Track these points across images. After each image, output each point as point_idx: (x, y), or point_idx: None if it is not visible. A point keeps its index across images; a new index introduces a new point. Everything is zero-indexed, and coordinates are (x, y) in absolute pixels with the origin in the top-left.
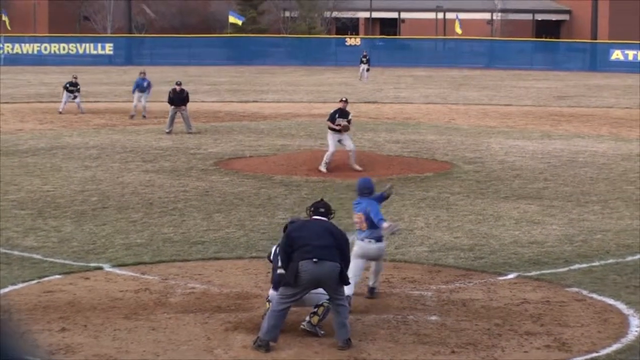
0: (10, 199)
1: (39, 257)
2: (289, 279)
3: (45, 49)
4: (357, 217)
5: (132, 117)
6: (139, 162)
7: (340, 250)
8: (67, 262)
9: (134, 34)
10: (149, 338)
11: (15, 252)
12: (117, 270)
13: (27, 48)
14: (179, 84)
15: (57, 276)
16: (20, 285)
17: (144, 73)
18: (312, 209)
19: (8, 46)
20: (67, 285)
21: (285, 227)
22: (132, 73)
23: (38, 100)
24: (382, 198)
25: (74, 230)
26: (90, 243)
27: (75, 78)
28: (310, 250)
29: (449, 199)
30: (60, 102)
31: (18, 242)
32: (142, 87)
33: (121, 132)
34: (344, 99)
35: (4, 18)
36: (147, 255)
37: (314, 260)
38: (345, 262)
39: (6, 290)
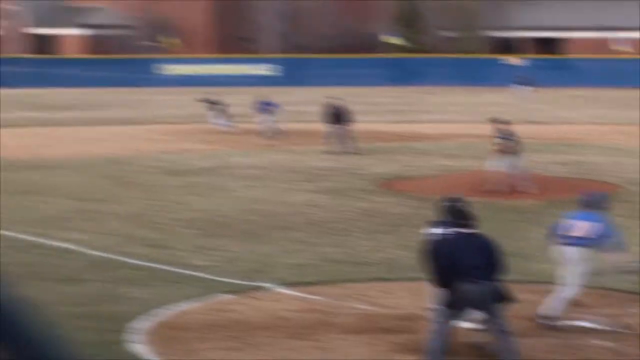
0: (179, 218)
1: (207, 276)
2: (444, 301)
3: (209, 69)
4: (581, 225)
5: (267, 137)
6: (303, 182)
7: (496, 265)
8: (234, 281)
9: (294, 54)
10: (315, 358)
11: (184, 271)
12: (283, 290)
13: (192, 69)
14: (337, 101)
15: (225, 295)
16: (189, 303)
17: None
18: (453, 218)
19: (173, 67)
20: (234, 304)
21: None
22: (292, 93)
23: (203, 121)
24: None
25: (241, 250)
26: (257, 262)
27: (215, 98)
28: (466, 270)
29: (615, 221)
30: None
31: (187, 261)
32: (266, 109)
33: (285, 152)
34: (497, 120)
35: (171, 40)
36: (312, 275)
37: (470, 281)
38: (501, 274)
39: (177, 308)
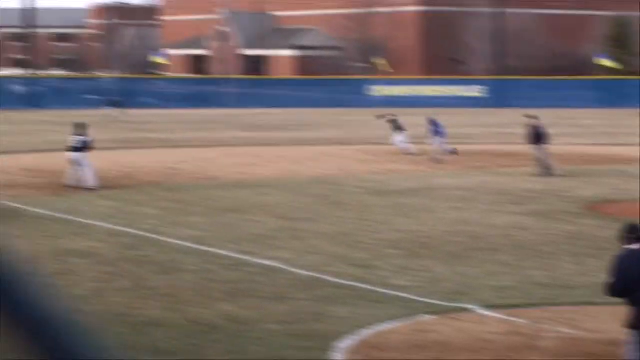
0: (384, 238)
1: (410, 296)
2: (630, 322)
3: (418, 90)
4: None
5: (437, 161)
6: (508, 204)
7: None
8: (437, 302)
9: (504, 76)
10: None
11: (388, 291)
12: (486, 312)
13: (401, 90)
14: (534, 121)
15: (429, 316)
16: (393, 323)
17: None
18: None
19: (382, 88)
20: (437, 325)
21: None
22: (498, 115)
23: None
24: None
25: (444, 271)
26: (460, 284)
27: (394, 116)
28: None
29: None
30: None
31: (391, 281)
32: (435, 130)
33: (491, 173)
34: None
35: (381, 61)
36: (517, 298)
37: None
38: None
39: (380, 328)
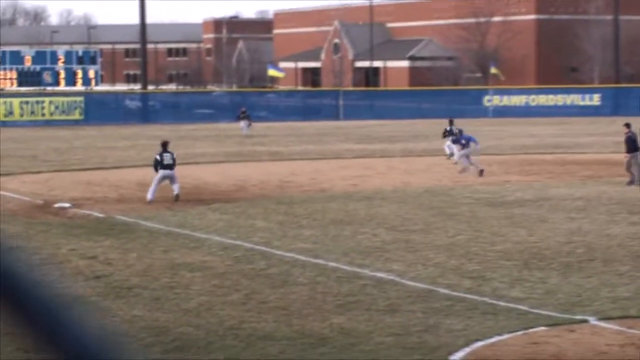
0: (497, 249)
1: (524, 308)
2: None
3: (533, 100)
4: None
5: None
6: (625, 214)
7: None
8: (552, 314)
9: (621, 84)
10: None
11: (501, 303)
12: (603, 324)
13: (515, 100)
14: (632, 128)
15: (543, 328)
16: (506, 335)
17: None
18: None
19: (497, 98)
20: (552, 337)
21: None
22: (617, 123)
23: (524, 152)
24: None
25: (559, 282)
26: (575, 295)
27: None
28: None
29: None
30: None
31: (504, 293)
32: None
33: (607, 183)
34: None
35: (495, 70)
36: (635, 309)
37: None
38: None
39: (492, 340)
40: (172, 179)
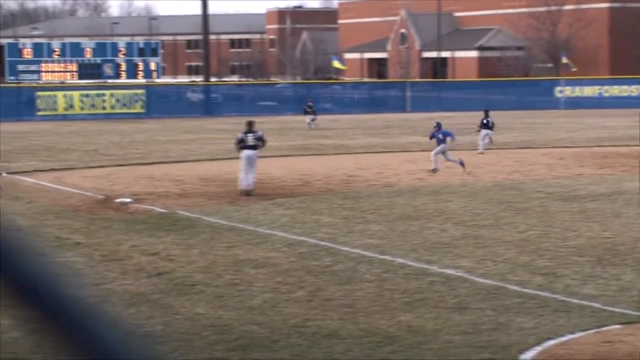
0: (570, 245)
1: (597, 305)
2: None
3: (606, 91)
4: None
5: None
6: None
7: None
8: (626, 311)
9: None
10: None
11: (574, 300)
12: None
13: (588, 91)
14: None
15: (616, 326)
16: (579, 334)
17: None
18: None
19: (569, 89)
20: (626, 335)
21: None
22: None
23: (597, 145)
24: None
25: (634, 279)
26: None
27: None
28: None
29: None
30: None
31: (577, 290)
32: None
33: None
34: None
35: (566, 60)
36: None
37: None
38: None
39: (564, 338)
40: (251, 164)
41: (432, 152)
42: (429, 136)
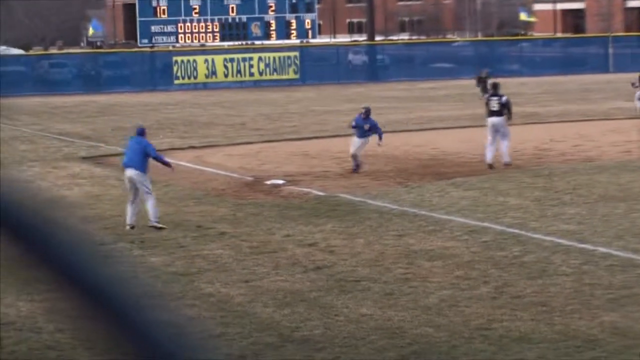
0: None
1: None
2: None
3: None
4: None
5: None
6: None
7: None
8: None
9: None
10: None
11: None
12: None
13: None
14: None
15: None
16: None
17: None
18: None
19: None
20: None
21: None
22: None
23: None
24: None
25: None
26: None
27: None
28: None
29: None
30: None
31: None
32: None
33: None
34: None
35: None
36: None
37: None
38: None
39: None
40: (499, 131)
41: (351, 148)
42: (350, 124)
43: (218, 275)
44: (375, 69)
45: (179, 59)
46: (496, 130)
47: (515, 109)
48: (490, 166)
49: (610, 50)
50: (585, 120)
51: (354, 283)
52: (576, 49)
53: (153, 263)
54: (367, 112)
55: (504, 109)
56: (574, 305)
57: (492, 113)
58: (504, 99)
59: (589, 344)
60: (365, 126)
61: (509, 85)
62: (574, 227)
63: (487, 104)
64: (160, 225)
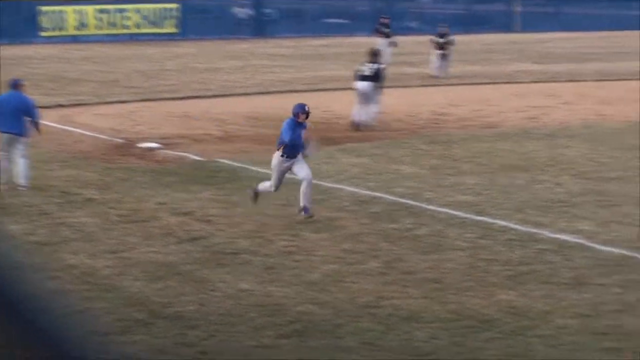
0: None
1: None
2: None
3: None
4: None
5: None
6: None
7: None
8: None
9: None
10: None
11: None
12: None
13: None
14: None
15: None
16: None
17: None
18: None
19: None
20: None
21: None
22: None
23: None
24: None
25: None
26: None
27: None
28: None
29: None
30: None
31: None
32: None
33: None
34: None
35: None
36: None
37: None
38: None
39: None
40: (368, 97)
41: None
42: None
43: (84, 245)
44: (262, 23)
45: (46, 8)
46: (364, 95)
47: (411, 70)
48: (356, 126)
49: (516, 8)
50: (487, 83)
51: (232, 256)
52: (479, 6)
53: (13, 231)
54: (301, 109)
55: (375, 76)
56: (469, 283)
57: (361, 77)
58: (377, 66)
59: (484, 324)
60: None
61: (406, 44)
62: (471, 199)
63: (359, 69)
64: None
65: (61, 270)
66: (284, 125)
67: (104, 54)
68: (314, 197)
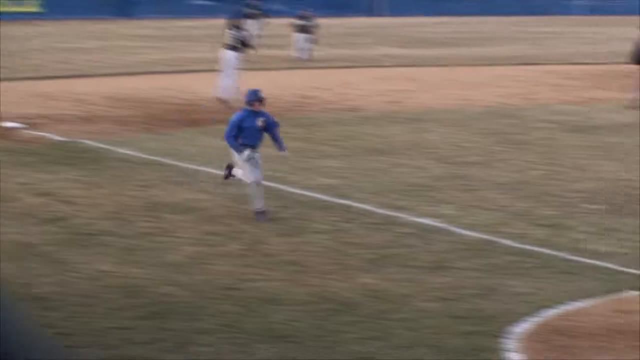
0: (579, 189)
1: (612, 266)
2: None
3: None
4: None
5: None
6: None
7: None
8: None
9: None
10: None
11: (583, 259)
12: None
13: None
14: None
15: (634, 292)
16: (588, 302)
17: None
18: None
19: None
20: None
21: None
22: None
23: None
24: None
25: None
26: None
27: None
28: None
29: None
30: None
31: (587, 246)
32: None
33: None
34: None
35: None
36: None
37: None
38: None
39: (569, 307)
40: (227, 66)
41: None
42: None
43: None
44: (127, 3)
45: None
46: (228, 63)
47: (274, 52)
48: (223, 101)
49: None
50: (351, 67)
51: (92, 237)
52: None
53: None
54: (255, 96)
55: (239, 44)
56: (330, 266)
57: (226, 46)
58: (241, 33)
59: (344, 307)
60: (258, 123)
61: (272, 27)
62: (334, 182)
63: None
64: None
65: None
66: (234, 117)
67: None
68: (175, 179)
